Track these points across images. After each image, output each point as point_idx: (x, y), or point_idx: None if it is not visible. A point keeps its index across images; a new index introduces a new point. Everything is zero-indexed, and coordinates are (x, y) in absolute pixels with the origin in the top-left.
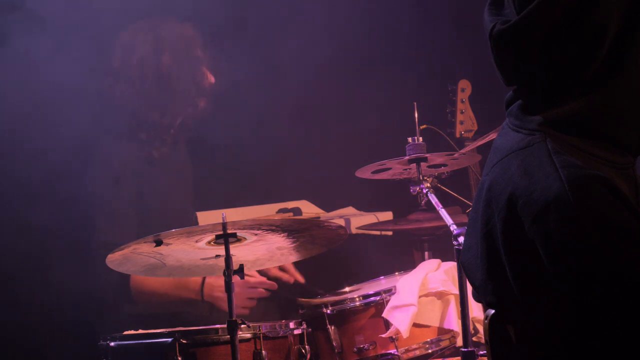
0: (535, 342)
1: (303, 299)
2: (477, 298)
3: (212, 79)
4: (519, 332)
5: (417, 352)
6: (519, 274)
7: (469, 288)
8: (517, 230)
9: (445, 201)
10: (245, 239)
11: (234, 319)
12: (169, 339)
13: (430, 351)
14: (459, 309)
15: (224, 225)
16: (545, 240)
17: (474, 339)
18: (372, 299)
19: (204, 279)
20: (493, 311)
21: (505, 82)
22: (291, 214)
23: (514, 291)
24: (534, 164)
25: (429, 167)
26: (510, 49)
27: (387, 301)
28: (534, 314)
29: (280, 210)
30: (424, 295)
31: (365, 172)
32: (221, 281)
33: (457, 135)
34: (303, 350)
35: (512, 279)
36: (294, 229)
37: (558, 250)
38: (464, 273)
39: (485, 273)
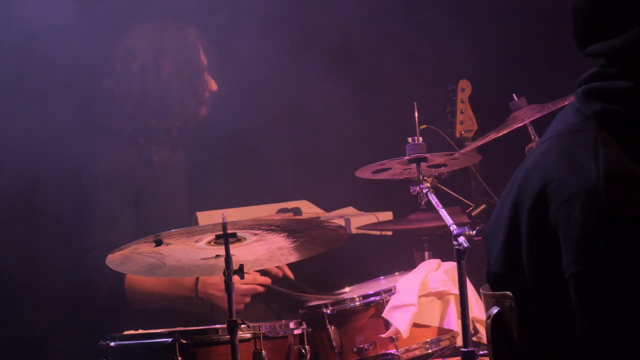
0: (536, 341)
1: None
2: (489, 274)
3: (214, 86)
4: (520, 332)
5: (417, 352)
6: (533, 253)
7: (469, 288)
8: (543, 212)
9: (445, 201)
10: (245, 239)
11: (234, 319)
12: (169, 339)
13: (430, 351)
14: (459, 309)
15: (224, 225)
16: (567, 226)
17: (474, 339)
18: (372, 299)
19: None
20: (496, 310)
21: (579, 48)
22: (291, 214)
23: (524, 268)
24: (578, 151)
25: (429, 167)
26: (586, 12)
27: (387, 301)
28: (539, 300)
29: (280, 210)
30: (424, 295)
31: (365, 172)
32: (215, 279)
33: (457, 135)
34: (303, 350)
35: (526, 256)
36: (294, 229)
37: (578, 238)
38: (463, 273)
39: (501, 243)
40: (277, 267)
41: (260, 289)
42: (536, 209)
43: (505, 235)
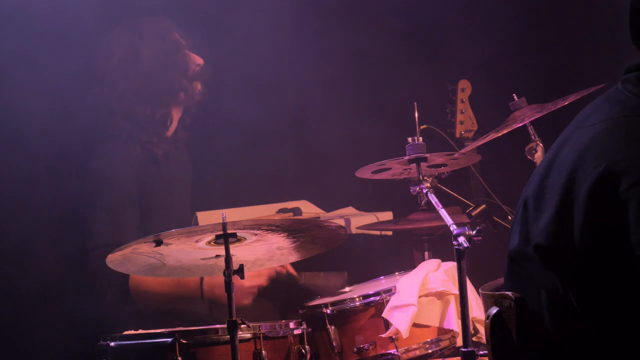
0: (537, 341)
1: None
2: (519, 243)
3: (199, 60)
4: (520, 332)
5: (417, 352)
6: (592, 229)
7: (469, 288)
8: (609, 190)
9: (445, 201)
10: (245, 239)
11: (234, 319)
12: (169, 339)
13: (430, 351)
14: (459, 309)
15: (224, 225)
16: (639, 205)
17: (474, 339)
18: (372, 299)
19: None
20: (495, 310)
21: (634, 41)
22: (291, 214)
23: (574, 243)
24: None
25: (429, 167)
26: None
27: (387, 301)
28: (581, 278)
29: (280, 210)
30: (424, 295)
31: (365, 172)
32: (220, 279)
33: (457, 135)
34: (303, 350)
35: (580, 232)
36: (294, 229)
37: None
38: (463, 273)
39: (550, 217)
40: (280, 266)
41: (266, 282)
42: (600, 187)
43: (556, 210)
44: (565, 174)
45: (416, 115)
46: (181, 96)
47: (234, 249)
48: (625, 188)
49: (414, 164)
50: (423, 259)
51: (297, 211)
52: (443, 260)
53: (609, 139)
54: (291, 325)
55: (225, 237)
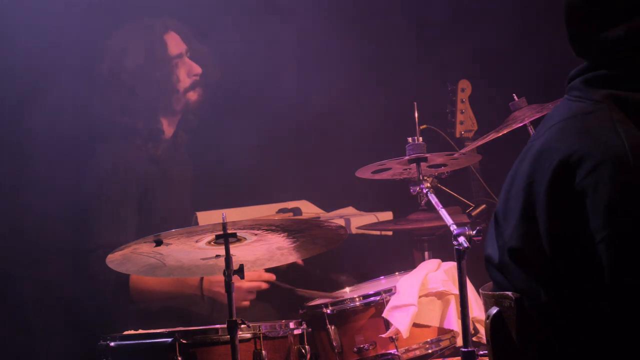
0: (537, 341)
1: (305, 290)
2: (498, 256)
3: (197, 69)
4: (520, 332)
5: (417, 352)
6: (554, 223)
7: (469, 288)
8: (565, 183)
9: (445, 201)
10: (245, 239)
11: (234, 319)
12: (169, 339)
13: (430, 351)
14: (459, 309)
15: (224, 225)
16: (595, 193)
17: (474, 339)
18: (372, 299)
19: None
20: (495, 310)
21: (575, 51)
22: (291, 214)
23: (541, 241)
24: (597, 128)
25: (429, 167)
26: (582, 19)
27: (387, 301)
28: (553, 274)
29: (280, 210)
30: (424, 295)
31: (365, 172)
32: (220, 276)
33: (457, 135)
34: (303, 350)
35: (544, 228)
36: (294, 229)
37: (607, 203)
38: (463, 273)
39: (516, 220)
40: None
41: (265, 285)
42: (557, 182)
43: (521, 213)
44: (524, 179)
45: (416, 115)
46: (172, 107)
47: (234, 249)
48: (580, 179)
49: (414, 164)
50: (423, 259)
51: (297, 211)
52: (443, 260)
53: (560, 138)
54: (291, 325)
55: (225, 237)
